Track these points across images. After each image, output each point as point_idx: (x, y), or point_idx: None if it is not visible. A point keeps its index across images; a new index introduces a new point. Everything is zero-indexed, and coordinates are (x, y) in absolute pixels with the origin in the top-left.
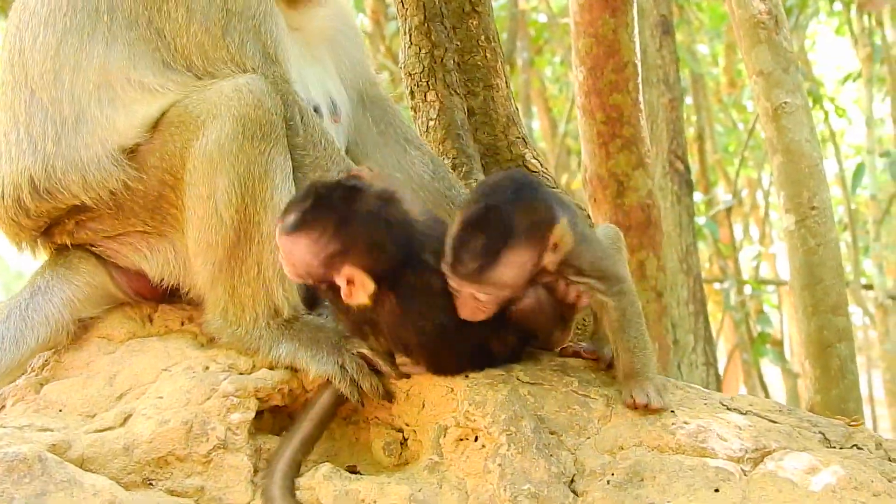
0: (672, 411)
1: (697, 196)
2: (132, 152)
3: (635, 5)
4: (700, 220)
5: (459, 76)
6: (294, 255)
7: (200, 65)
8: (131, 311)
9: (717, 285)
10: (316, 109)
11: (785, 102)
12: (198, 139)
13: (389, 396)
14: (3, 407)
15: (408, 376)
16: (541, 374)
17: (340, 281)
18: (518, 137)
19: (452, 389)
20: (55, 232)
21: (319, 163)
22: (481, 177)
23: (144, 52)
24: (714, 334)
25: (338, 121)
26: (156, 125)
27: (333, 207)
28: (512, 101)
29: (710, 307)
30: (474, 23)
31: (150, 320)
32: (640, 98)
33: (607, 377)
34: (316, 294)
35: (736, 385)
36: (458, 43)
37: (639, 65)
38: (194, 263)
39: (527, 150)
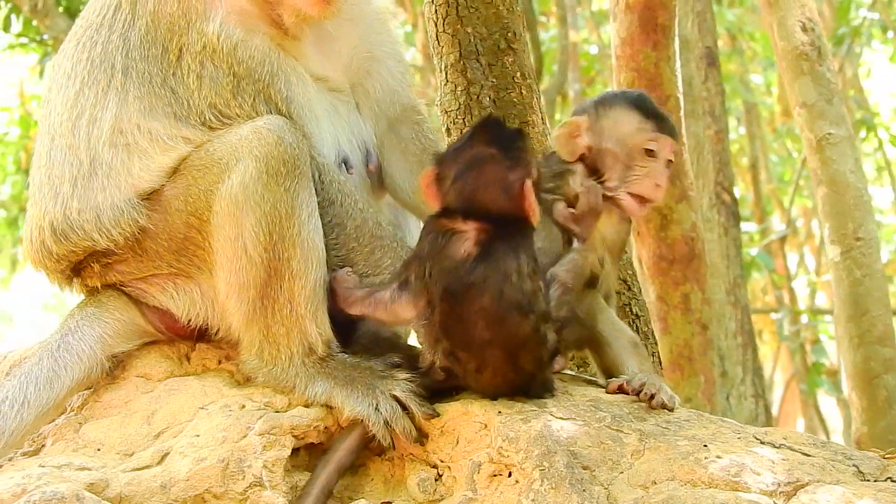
0: (705, 445)
1: (752, 226)
2: (150, 197)
3: (677, 39)
4: (753, 250)
5: (495, 113)
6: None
7: (215, 121)
8: (168, 350)
9: (774, 315)
10: (345, 161)
11: (829, 134)
12: (222, 182)
13: (421, 439)
14: (43, 446)
15: (438, 415)
16: (574, 409)
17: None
18: None
19: (486, 426)
20: (85, 274)
21: (337, 221)
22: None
23: (157, 106)
24: (770, 365)
25: (372, 168)
26: (176, 169)
27: None
28: (547, 136)
29: (767, 337)
30: (510, 60)
31: (188, 359)
32: (683, 131)
33: (640, 411)
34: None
35: (794, 415)
36: (494, 80)
37: (681, 98)
38: (227, 304)
39: None
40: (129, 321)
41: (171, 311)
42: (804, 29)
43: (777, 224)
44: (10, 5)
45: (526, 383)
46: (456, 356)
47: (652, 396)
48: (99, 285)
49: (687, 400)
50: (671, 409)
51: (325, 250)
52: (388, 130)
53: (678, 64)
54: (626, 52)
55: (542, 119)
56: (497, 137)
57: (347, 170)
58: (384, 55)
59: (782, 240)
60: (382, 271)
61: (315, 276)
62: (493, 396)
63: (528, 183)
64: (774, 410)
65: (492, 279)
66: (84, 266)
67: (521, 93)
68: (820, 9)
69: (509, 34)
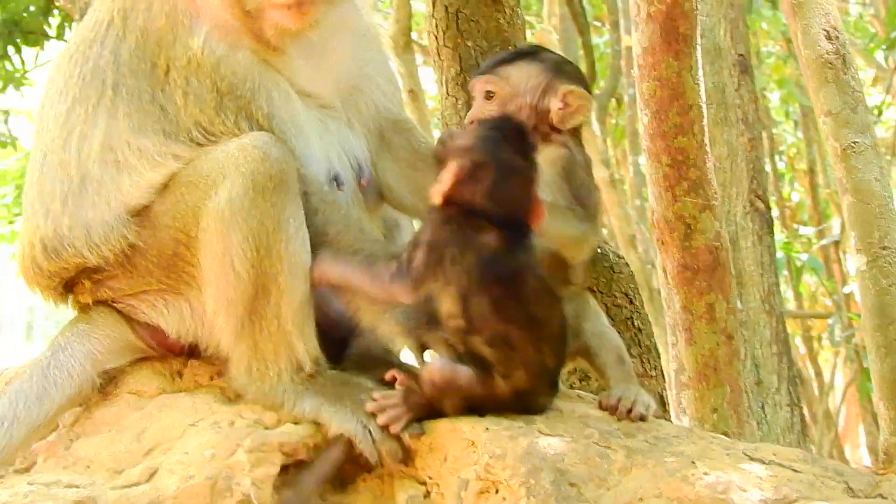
0: (693, 462)
1: (809, 230)
2: (139, 213)
3: (699, 48)
4: (805, 255)
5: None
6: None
7: (202, 138)
8: (160, 366)
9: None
10: (336, 178)
11: (854, 142)
12: (209, 199)
13: (406, 460)
14: (35, 463)
15: (424, 433)
16: (561, 425)
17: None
18: None
19: (473, 442)
20: (76, 291)
21: (320, 229)
22: None
23: (146, 122)
24: (812, 372)
25: (364, 183)
26: (165, 186)
27: None
28: None
29: (826, 343)
30: None
31: (180, 375)
32: (706, 140)
33: (630, 427)
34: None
35: (855, 422)
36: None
37: (704, 107)
38: (215, 321)
39: None
40: (119, 337)
41: (161, 328)
42: (828, 37)
43: (836, 228)
44: (62, 14)
45: (543, 386)
46: (493, 345)
47: (629, 410)
48: (90, 302)
49: (713, 410)
50: (644, 420)
51: (310, 262)
52: (380, 143)
53: (700, 73)
54: (647, 61)
55: None
56: (524, 146)
57: (338, 186)
58: (374, 71)
59: (836, 243)
60: None
61: (302, 292)
62: (510, 396)
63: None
64: (837, 418)
65: (532, 265)
66: (76, 283)
67: None
68: (876, 9)
69: (510, 48)
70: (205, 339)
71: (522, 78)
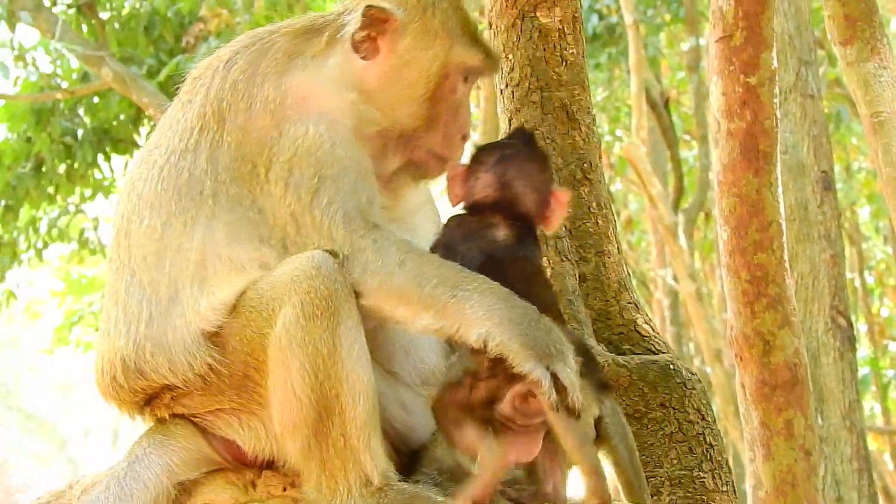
0: None
1: None
2: (214, 336)
3: (779, 165)
4: (891, 372)
5: (571, 242)
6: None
7: (293, 234)
8: (234, 477)
9: None
10: None
11: None
12: (270, 327)
13: None
14: None
15: None
16: None
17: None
18: (630, 303)
19: None
20: (154, 405)
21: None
22: (592, 342)
23: (243, 230)
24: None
25: None
26: (234, 308)
27: None
28: (624, 266)
29: None
30: (586, 190)
31: (253, 485)
32: (785, 257)
33: None
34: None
35: None
36: (570, 210)
37: (783, 223)
38: (284, 443)
39: (638, 315)
40: (195, 450)
41: (237, 443)
42: None
43: None
44: (152, 123)
45: None
46: None
47: None
48: (168, 415)
49: None
50: None
51: (373, 377)
52: None
53: (780, 189)
54: (727, 177)
55: (618, 249)
56: (530, 143)
57: None
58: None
59: None
60: None
61: (366, 408)
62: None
63: (560, 190)
64: None
65: (533, 259)
66: (155, 397)
67: (597, 223)
68: None
69: (585, 164)
70: (280, 456)
71: None
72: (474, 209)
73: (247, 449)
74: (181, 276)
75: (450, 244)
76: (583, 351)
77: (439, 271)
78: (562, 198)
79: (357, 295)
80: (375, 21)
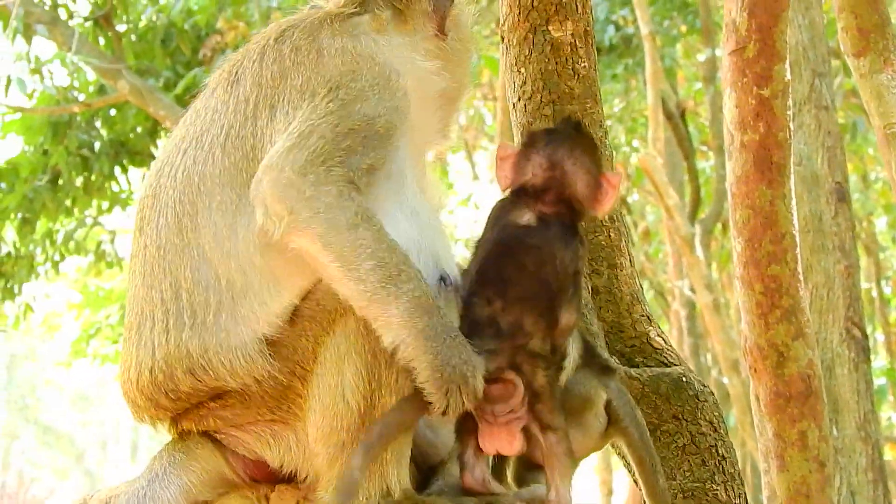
0: None
1: None
2: (272, 342)
3: (793, 177)
4: None
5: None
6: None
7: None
8: (248, 492)
9: None
10: (443, 278)
11: None
12: (328, 335)
13: None
14: None
15: None
16: None
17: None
18: (642, 315)
19: None
20: (185, 416)
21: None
22: (605, 355)
23: None
24: None
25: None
26: (291, 319)
27: None
28: (636, 279)
29: None
30: None
31: (267, 500)
32: (799, 268)
33: None
34: None
35: None
36: (583, 223)
37: (797, 235)
38: (314, 447)
39: (651, 328)
40: (214, 470)
41: (261, 459)
42: None
43: None
44: (169, 135)
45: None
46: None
47: None
48: (193, 429)
49: None
50: None
51: None
52: None
53: (794, 201)
54: (741, 189)
55: (631, 262)
56: (579, 129)
57: (445, 285)
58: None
59: None
60: None
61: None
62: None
63: (612, 173)
64: None
65: (545, 250)
66: (190, 408)
67: (610, 236)
68: None
69: None
70: (306, 467)
71: None
72: (520, 193)
73: (274, 461)
74: (252, 265)
75: (484, 232)
76: (582, 338)
77: (384, 255)
78: (613, 180)
79: (295, 231)
80: None
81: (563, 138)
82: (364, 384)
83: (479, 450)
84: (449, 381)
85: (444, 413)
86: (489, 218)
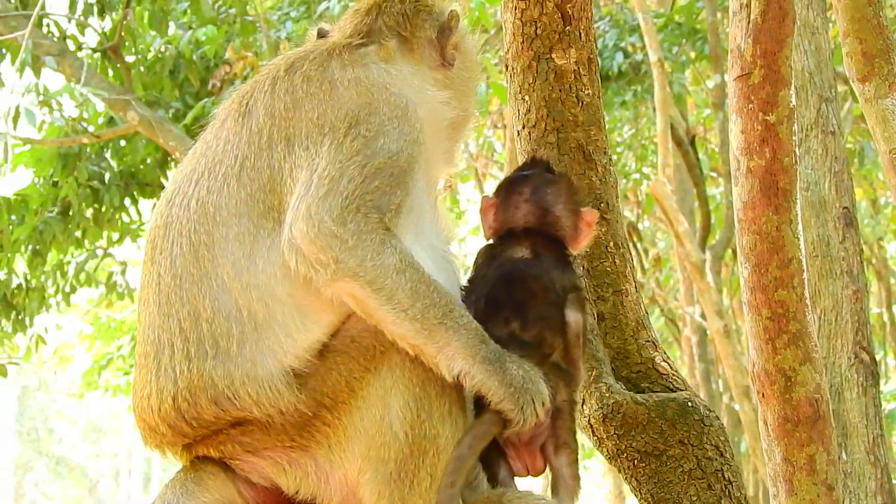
0: None
1: None
2: (298, 375)
3: (800, 202)
4: None
5: (589, 282)
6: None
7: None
8: None
9: None
10: None
11: None
12: (370, 372)
13: None
14: None
15: None
16: None
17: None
18: (647, 341)
19: None
20: (202, 443)
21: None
22: (611, 381)
23: None
24: None
25: None
26: (320, 352)
27: None
28: (641, 305)
29: None
30: (603, 230)
31: None
32: (806, 293)
33: None
34: None
35: None
36: (587, 250)
37: (804, 260)
38: (360, 479)
39: (656, 354)
40: (226, 500)
41: (275, 486)
42: None
43: None
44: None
45: None
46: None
47: None
48: (210, 454)
49: None
50: None
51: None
52: None
53: (800, 227)
54: (748, 215)
55: (636, 288)
56: (550, 169)
57: None
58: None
59: None
60: None
61: None
62: None
63: (588, 211)
64: None
65: (545, 278)
66: (212, 434)
67: (615, 262)
68: None
69: (602, 204)
70: (324, 495)
71: None
72: (506, 237)
73: (289, 487)
74: (273, 296)
75: (477, 272)
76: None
77: (434, 294)
78: (589, 218)
79: (342, 280)
80: (453, 26)
81: (544, 184)
82: (413, 415)
83: (511, 472)
84: (521, 395)
85: (522, 425)
86: (478, 260)
